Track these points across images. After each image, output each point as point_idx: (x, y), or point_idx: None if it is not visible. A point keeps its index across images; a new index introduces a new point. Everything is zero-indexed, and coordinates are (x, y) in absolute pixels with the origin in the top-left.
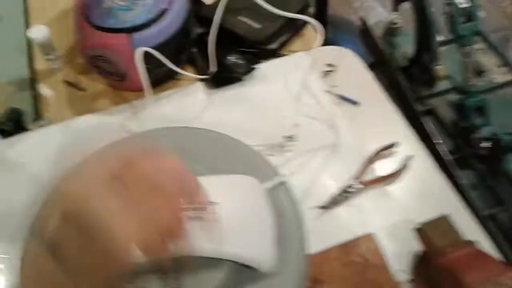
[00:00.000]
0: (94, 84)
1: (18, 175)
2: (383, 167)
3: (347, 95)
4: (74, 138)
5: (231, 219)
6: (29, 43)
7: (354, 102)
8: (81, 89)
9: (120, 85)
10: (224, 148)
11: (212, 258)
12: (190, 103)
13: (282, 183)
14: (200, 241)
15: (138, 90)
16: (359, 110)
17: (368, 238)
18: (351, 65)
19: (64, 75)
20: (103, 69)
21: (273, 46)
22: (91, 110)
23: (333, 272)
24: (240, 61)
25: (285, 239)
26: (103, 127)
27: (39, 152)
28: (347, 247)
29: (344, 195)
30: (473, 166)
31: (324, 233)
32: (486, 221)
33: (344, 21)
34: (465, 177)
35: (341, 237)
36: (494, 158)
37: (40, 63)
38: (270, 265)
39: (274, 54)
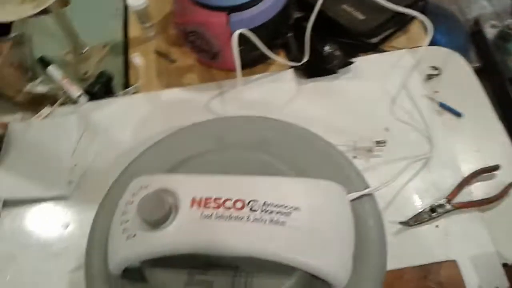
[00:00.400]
0: (185, 58)
1: (100, 137)
2: (479, 190)
3: (449, 104)
4: (158, 109)
5: (311, 228)
6: (126, 10)
7: (456, 113)
8: (171, 61)
9: (210, 63)
10: (312, 148)
11: (284, 264)
12: (278, 90)
13: (368, 196)
14: (276, 245)
15: (228, 69)
16: (460, 123)
17: (451, 265)
18: (458, 71)
19: (156, 45)
20: (196, 45)
21: (375, 40)
22: (178, 84)
23: None
24: (337, 52)
25: (364, 255)
26: (189, 103)
27: (123, 118)
28: (424, 270)
29: (430, 214)
30: None
31: (401, 251)
32: None
33: (439, 10)
34: None
35: (418, 258)
36: None
37: (135, 31)
38: (344, 282)
39: (375, 48)
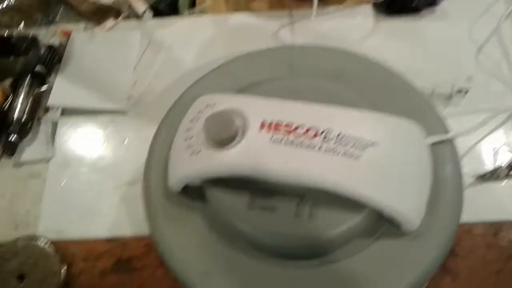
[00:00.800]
0: None
1: (163, 56)
2: None
3: None
4: (224, 33)
5: (387, 165)
6: None
7: None
8: None
9: None
10: (390, 85)
11: (354, 199)
12: (354, 26)
13: (449, 142)
14: (348, 179)
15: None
16: None
17: None
18: None
19: None
20: None
21: None
22: (247, 9)
23: (473, 249)
24: None
25: (439, 202)
26: (256, 29)
27: (186, 38)
28: (495, 227)
29: (509, 171)
30: None
31: (473, 205)
32: None
33: None
34: None
35: (490, 214)
36: None
37: None
38: (415, 225)
39: None
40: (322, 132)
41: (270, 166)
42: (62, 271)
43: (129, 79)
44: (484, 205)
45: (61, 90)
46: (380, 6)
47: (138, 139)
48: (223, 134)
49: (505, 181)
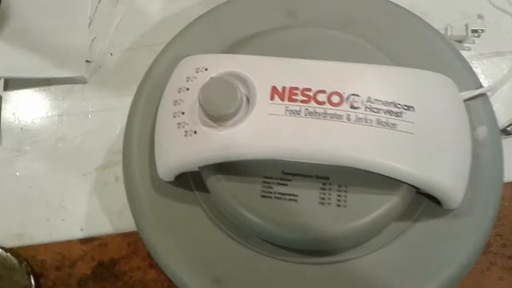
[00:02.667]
0: None
1: (123, 4)
2: None
3: None
4: None
5: (428, 133)
6: None
7: None
8: None
9: None
10: (411, 32)
11: (392, 176)
12: None
13: (483, 96)
14: (386, 154)
15: None
16: None
17: None
18: None
19: None
20: None
21: None
22: None
23: (501, 215)
24: None
25: (479, 169)
26: None
27: None
28: None
29: None
30: None
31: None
32: None
33: None
34: None
35: None
36: None
37: None
38: (460, 199)
39: None
40: (349, 98)
41: (290, 145)
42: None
43: (85, 37)
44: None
45: (0, 57)
46: None
47: (106, 112)
48: (226, 107)
49: None
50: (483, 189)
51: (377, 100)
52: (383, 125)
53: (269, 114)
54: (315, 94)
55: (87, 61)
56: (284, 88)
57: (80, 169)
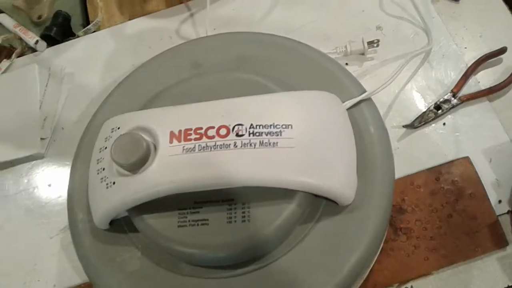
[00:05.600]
0: None
1: (67, 84)
2: (486, 78)
3: None
4: (125, 44)
5: (307, 144)
6: None
7: None
8: None
9: None
10: (297, 58)
11: (282, 187)
12: (254, 3)
13: (367, 101)
14: (270, 169)
15: None
16: (459, 7)
17: (464, 162)
18: None
19: None
20: None
21: None
22: (144, 12)
23: (418, 201)
24: None
25: (369, 165)
26: (158, 31)
27: (88, 60)
28: (436, 172)
29: (435, 112)
30: None
31: (409, 155)
32: None
33: None
34: None
35: (428, 161)
36: None
37: None
38: (351, 197)
39: None
40: (234, 128)
41: (189, 178)
42: None
43: (38, 119)
44: (420, 153)
45: None
46: None
47: (64, 179)
48: (133, 157)
49: (434, 123)
50: (374, 183)
51: (258, 125)
52: (266, 145)
53: (170, 155)
54: (205, 131)
55: (41, 138)
56: (180, 131)
57: (49, 232)
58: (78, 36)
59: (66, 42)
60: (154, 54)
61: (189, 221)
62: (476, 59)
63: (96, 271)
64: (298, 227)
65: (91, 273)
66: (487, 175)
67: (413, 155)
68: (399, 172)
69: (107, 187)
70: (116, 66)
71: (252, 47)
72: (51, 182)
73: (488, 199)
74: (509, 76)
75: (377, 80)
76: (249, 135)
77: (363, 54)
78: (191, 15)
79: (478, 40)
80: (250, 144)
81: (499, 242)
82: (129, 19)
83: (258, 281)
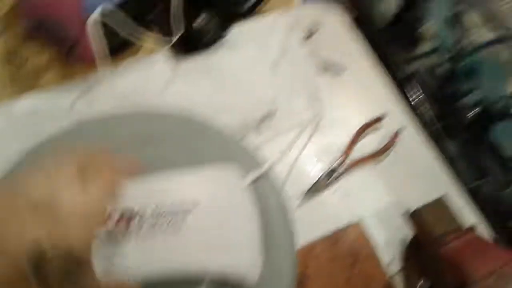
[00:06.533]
0: (38, 56)
1: None
2: (371, 144)
3: (332, 59)
4: (13, 124)
5: (209, 227)
6: None
7: (338, 70)
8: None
9: (69, 56)
10: (197, 135)
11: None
12: (152, 76)
13: (265, 174)
14: (173, 257)
15: (90, 61)
16: (345, 77)
17: (356, 227)
18: (336, 24)
19: (2, 45)
20: (48, 37)
21: (245, 7)
22: (36, 86)
23: (320, 268)
24: (210, 25)
25: (272, 243)
26: (51, 108)
27: None
28: (332, 239)
29: (328, 179)
30: (458, 136)
31: (308, 222)
32: (473, 194)
33: None
34: (451, 147)
35: (327, 226)
36: (481, 126)
37: None
38: (256, 276)
39: (248, 15)
40: (137, 214)
41: None
42: None
43: None
44: (318, 220)
45: None
46: (173, 49)
47: None
48: None
49: (328, 189)
50: (276, 258)
51: (162, 208)
52: (169, 233)
53: None
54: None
55: None
56: None
57: None
58: None
59: None
60: (47, 134)
61: None
62: (360, 126)
63: None
64: None
65: None
66: (377, 235)
67: (312, 223)
68: (302, 239)
69: None
70: (2, 152)
71: (151, 126)
72: None
73: (379, 261)
74: (388, 141)
75: (274, 150)
76: (154, 218)
77: (260, 125)
78: (88, 90)
79: (363, 108)
80: (154, 229)
81: None
82: (19, 95)
83: None
